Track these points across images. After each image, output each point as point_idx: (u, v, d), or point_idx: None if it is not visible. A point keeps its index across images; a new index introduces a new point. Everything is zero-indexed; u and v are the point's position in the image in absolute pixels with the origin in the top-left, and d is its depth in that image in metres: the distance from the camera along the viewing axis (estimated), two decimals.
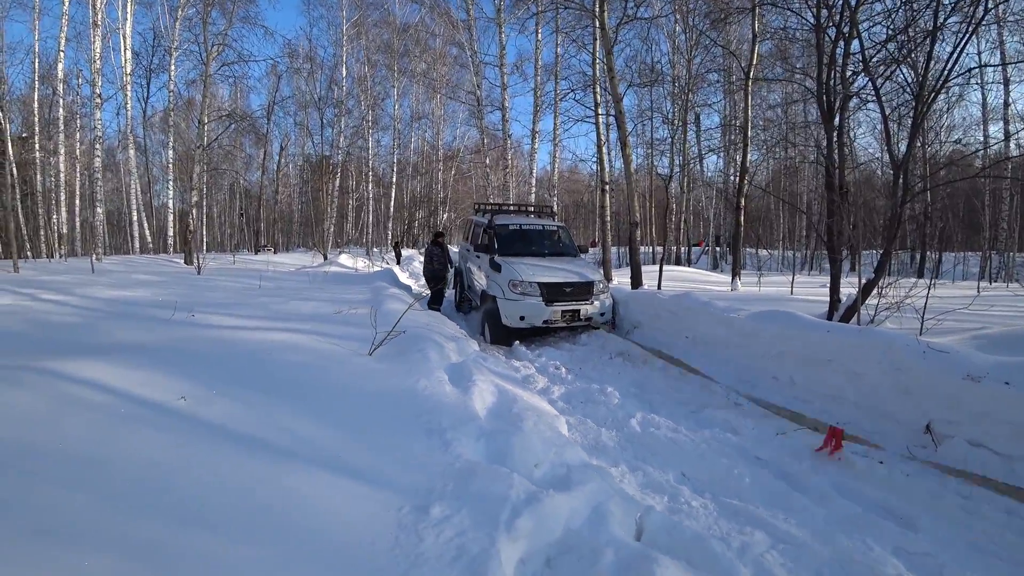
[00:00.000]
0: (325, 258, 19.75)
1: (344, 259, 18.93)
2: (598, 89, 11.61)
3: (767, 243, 26.93)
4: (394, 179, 27.35)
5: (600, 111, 11.64)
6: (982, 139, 18.36)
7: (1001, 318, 7.07)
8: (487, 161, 17.80)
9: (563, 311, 7.16)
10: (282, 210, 37.49)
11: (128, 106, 20.74)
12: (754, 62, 11.58)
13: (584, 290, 7.39)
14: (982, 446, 3.56)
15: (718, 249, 25.53)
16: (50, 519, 1.85)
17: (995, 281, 17.29)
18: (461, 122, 29.85)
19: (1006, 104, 16.92)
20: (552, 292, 7.15)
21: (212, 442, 2.58)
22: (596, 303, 7.42)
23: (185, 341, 4.63)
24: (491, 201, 10.73)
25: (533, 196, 18.09)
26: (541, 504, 1.87)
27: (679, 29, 20.07)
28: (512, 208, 10.56)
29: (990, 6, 5.84)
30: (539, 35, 16.85)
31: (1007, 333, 4.96)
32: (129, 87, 20.78)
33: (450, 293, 10.92)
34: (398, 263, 20.05)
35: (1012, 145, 15.21)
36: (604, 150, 11.95)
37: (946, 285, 13.83)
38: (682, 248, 24.46)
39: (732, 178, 23.08)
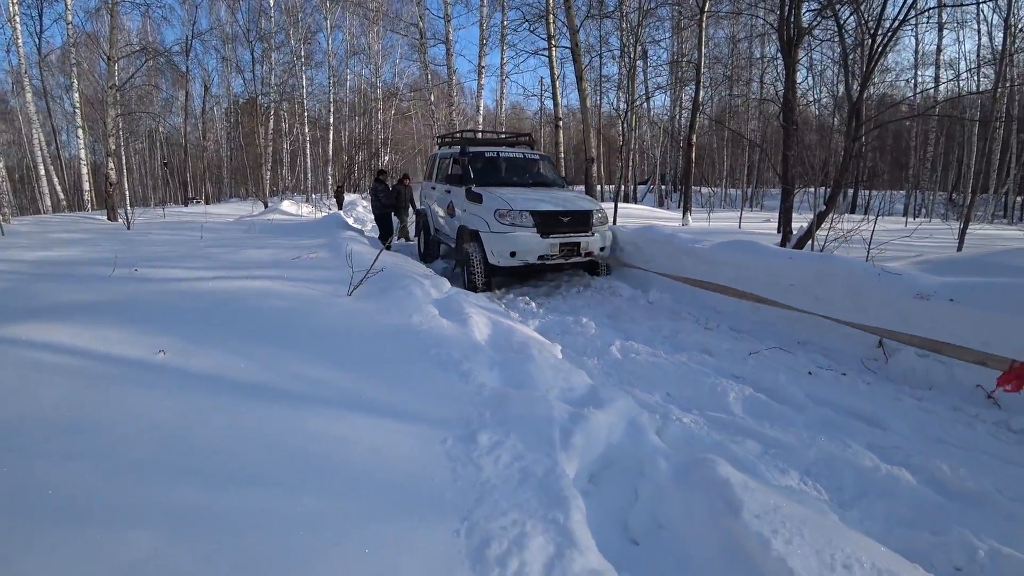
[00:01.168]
0: (266, 206, 18.74)
1: (287, 206, 18.06)
2: (551, 20, 11.22)
3: (710, 181, 27.66)
4: (331, 120, 25.84)
5: (554, 44, 11.30)
6: (913, 82, 19.27)
7: (932, 247, 7.70)
8: (431, 98, 17.08)
9: (561, 244, 6.21)
10: (210, 158, 34.84)
11: (19, 43, 18.23)
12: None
13: (583, 220, 6.45)
14: (927, 356, 3.92)
15: (663, 187, 26.01)
16: (65, 497, 1.63)
17: (918, 216, 18.69)
18: (400, 57, 28.31)
19: (939, 50, 17.69)
20: (547, 222, 6.18)
21: (215, 394, 2.39)
22: (596, 235, 6.53)
23: (138, 296, 4.30)
24: (458, 130, 9.62)
25: (480, 135, 17.59)
26: (588, 421, 1.90)
27: None
28: (484, 136, 9.41)
29: None
30: None
31: (945, 258, 5.38)
32: (17, 19, 18.21)
33: (412, 243, 10.72)
34: (340, 208, 19.32)
35: (941, 89, 16.03)
36: (558, 85, 11.70)
37: (882, 220, 14.81)
38: (629, 186, 24.76)
39: (679, 116, 23.30)
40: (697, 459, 1.59)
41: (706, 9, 11.67)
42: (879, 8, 6.11)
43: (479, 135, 9.10)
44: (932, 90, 17.30)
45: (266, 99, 23.35)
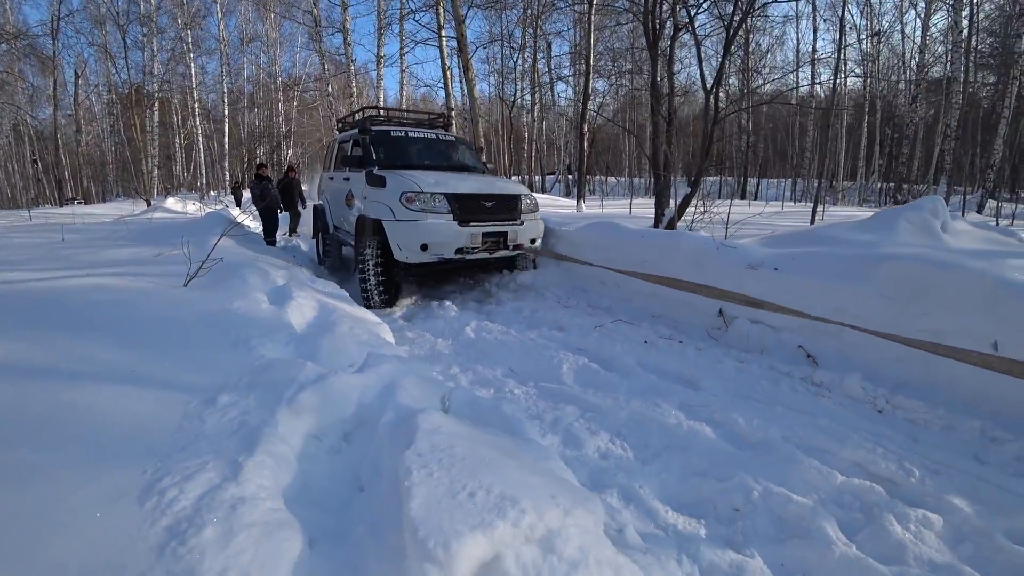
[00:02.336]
0: (149, 204, 17.40)
1: (171, 203, 16.89)
2: (441, 11, 11.14)
3: (615, 171, 28.68)
4: (226, 112, 24.30)
5: (444, 33, 11.23)
6: (797, 80, 20.95)
7: (787, 226, 8.41)
8: (330, 89, 16.49)
9: (484, 234, 5.15)
10: (90, 153, 31.64)
11: None
12: None
13: (509, 206, 5.43)
14: (759, 322, 4.26)
15: (570, 177, 26.66)
16: None
17: (798, 201, 20.41)
18: (300, 46, 27.13)
19: (813, 49, 19.33)
20: (467, 208, 5.13)
21: None
22: (526, 224, 5.53)
23: None
24: (361, 108, 8.01)
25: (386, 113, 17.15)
26: (327, 382, 1.93)
27: None
28: (390, 115, 7.76)
29: None
30: None
31: (782, 234, 5.87)
32: None
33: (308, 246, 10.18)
34: (239, 206, 18.38)
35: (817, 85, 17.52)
36: (449, 76, 11.65)
37: (760, 204, 16.14)
38: (535, 176, 25.13)
39: (580, 107, 23.97)
40: (410, 411, 1.65)
41: (594, 3, 12.03)
42: (732, 3, 6.55)
43: (383, 113, 7.51)
44: (787, 83, 18.84)
45: (149, 88, 21.58)
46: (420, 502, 1.17)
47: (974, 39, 17.49)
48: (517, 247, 5.45)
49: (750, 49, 20.12)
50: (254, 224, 10.35)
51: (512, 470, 1.30)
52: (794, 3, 18.74)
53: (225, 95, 23.98)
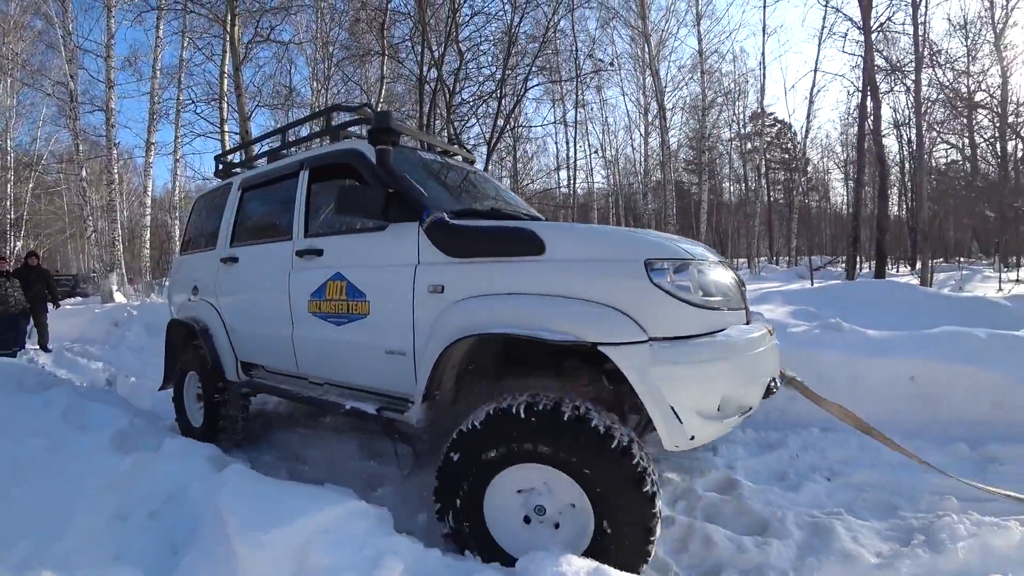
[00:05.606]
0: None
1: None
2: (225, 105, 11.15)
3: None
4: None
5: (227, 128, 11.21)
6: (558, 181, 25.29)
7: None
8: (84, 173, 14.48)
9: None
10: None
11: None
12: (381, 100, 13.06)
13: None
14: None
15: None
16: None
17: None
18: (45, 119, 23.22)
19: (568, 156, 23.72)
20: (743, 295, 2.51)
21: None
22: None
23: None
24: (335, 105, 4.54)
25: (149, 219, 15.58)
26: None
27: (320, 56, 20.22)
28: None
29: (530, 86, 8.59)
30: (160, 32, 14.14)
31: None
32: None
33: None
34: None
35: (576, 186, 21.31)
36: None
37: None
38: None
39: None
40: (217, 479, 2.12)
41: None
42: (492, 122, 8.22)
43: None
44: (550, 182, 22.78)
45: None
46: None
47: (682, 151, 23.66)
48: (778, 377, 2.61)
49: (518, 155, 23.68)
50: None
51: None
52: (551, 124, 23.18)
53: None
